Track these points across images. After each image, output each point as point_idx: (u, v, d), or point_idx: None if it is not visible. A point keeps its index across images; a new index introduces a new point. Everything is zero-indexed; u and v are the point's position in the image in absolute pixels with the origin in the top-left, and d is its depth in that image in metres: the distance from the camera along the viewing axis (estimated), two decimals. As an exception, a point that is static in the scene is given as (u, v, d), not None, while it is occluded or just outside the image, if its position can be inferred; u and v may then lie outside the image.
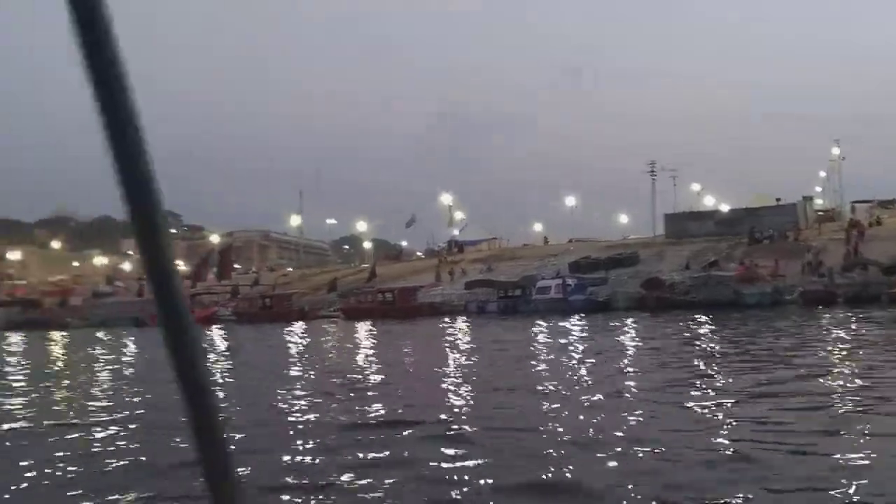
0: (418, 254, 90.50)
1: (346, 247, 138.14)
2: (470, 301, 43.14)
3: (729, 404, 10.10)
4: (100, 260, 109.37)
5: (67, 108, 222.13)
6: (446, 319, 36.90)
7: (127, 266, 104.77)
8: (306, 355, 22.59)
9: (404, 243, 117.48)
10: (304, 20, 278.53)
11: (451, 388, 13.49)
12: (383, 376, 15.58)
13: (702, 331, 23.61)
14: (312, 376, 16.56)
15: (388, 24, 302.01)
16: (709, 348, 18.33)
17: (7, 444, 9.57)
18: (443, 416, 10.19)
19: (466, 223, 69.85)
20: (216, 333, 36.39)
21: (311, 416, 10.80)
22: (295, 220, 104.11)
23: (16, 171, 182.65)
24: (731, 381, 12.33)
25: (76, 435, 9.92)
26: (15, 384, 17.32)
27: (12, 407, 13.12)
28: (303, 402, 12.29)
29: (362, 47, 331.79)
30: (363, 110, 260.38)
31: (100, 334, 40.48)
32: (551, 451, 7.78)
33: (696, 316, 28.45)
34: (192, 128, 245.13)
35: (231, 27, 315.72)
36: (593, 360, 16.54)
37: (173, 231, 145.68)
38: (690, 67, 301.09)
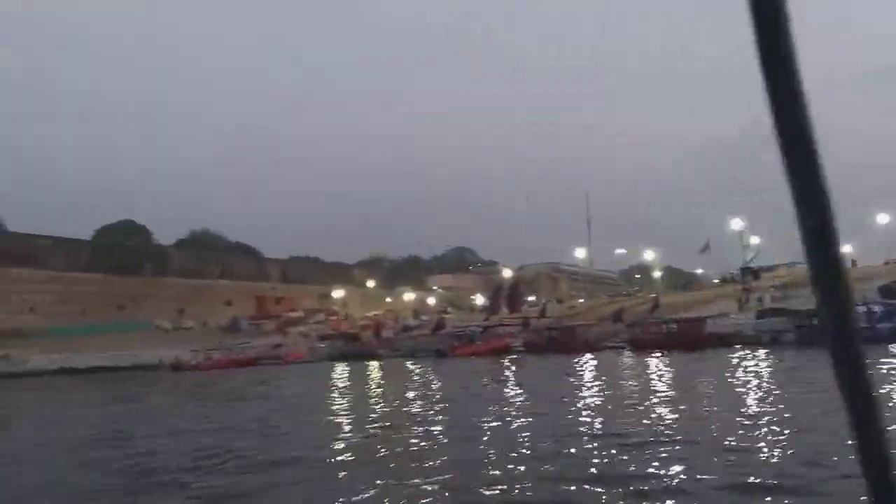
0: (714, 281, 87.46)
1: (638, 276, 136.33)
2: (763, 331, 40.78)
3: None
4: (408, 296, 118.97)
5: (376, 159, 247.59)
6: (740, 351, 35.23)
7: (431, 301, 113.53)
8: (596, 387, 22.79)
9: (699, 271, 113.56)
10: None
11: (773, 437, 11.44)
12: (676, 416, 14.75)
13: None
14: (602, 409, 16.41)
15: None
16: None
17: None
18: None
19: (760, 248, 65.86)
20: (508, 364, 38.67)
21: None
22: (580, 252, 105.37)
23: (341, 221, 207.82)
24: None
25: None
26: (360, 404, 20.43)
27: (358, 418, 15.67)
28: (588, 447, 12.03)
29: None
30: (640, 139, 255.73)
31: (408, 363, 44.86)
32: None
33: None
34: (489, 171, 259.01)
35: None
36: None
37: (468, 267, 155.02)
38: None
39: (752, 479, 8.48)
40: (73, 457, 13.46)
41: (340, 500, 8.49)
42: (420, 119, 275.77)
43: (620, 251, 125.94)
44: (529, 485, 8.84)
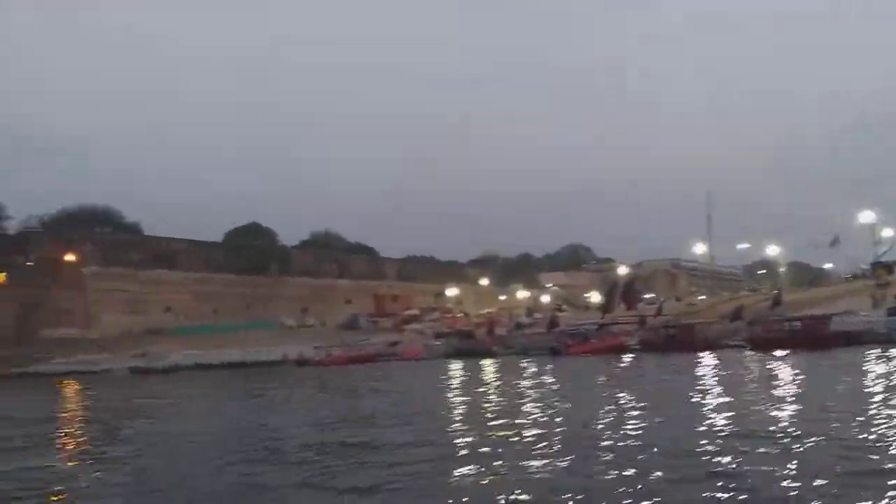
0: (845, 277, 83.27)
1: (763, 271, 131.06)
2: (893, 329, 38.73)
3: None
4: (522, 293, 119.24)
5: (485, 160, 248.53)
6: (870, 350, 33.65)
7: (545, 299, 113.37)
8: (716, 386, 22.40)
9: (829, 265, 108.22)
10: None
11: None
12: (799, 415, 14.46)
13: None
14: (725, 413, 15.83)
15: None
16: None
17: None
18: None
19: (894, 242, 62.08)
20: (624, 362, 38.52)
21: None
22: (699, 248, 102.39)
23: (455, 220, 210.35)
24: None
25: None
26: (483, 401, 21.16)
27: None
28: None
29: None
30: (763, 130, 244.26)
31: (523, 361, 45.28)
32: None
33: None
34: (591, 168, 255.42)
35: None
36: None
37: (582, 264, 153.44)
38: None
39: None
40: (216, 440, 14.90)
41: (448, 490, 9.02)
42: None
43: (743, 246, 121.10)
44: (658, 486, 8.89)
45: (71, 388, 44.08)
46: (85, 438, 17.79)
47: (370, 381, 34.35)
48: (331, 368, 52.40)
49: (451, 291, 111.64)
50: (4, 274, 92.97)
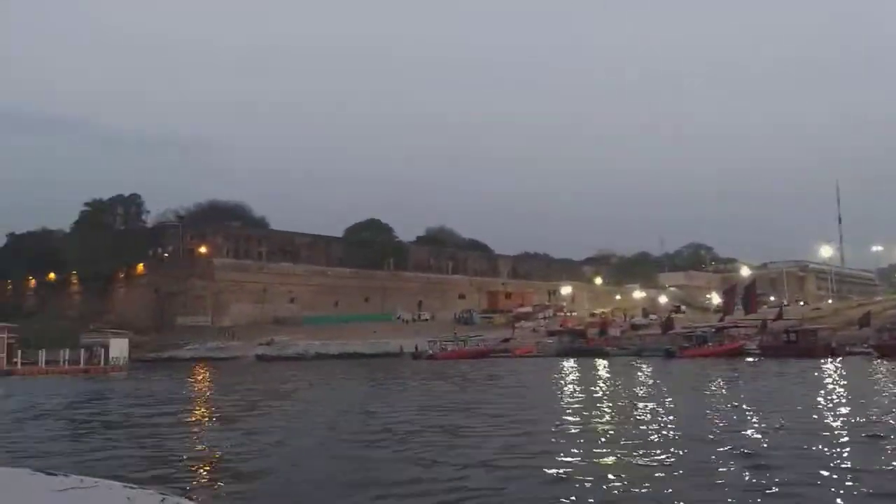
0: None
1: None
2: None
3: None
4: (638, 293, 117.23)
5: (601, 161, 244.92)
6: None
7: (662, 299, 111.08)
8: (839, 394, 21.58)
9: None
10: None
11: None
12: None
13: None
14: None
15: None
16: None
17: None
18: None
19: None
20: (741, 367, 37.53)
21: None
22: (826, 250, 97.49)
23: (571, 217, 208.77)
24: None
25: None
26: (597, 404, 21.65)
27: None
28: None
29: None
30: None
31: (636, 362, 44.69)
32: None
33: None
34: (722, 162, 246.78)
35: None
36: None
37: (702, 264, 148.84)
38: None
39: None
40: (337, 420, 16.20)
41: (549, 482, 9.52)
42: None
43: (877, 248, 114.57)
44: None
45: (206, 373, 47.27)
46: (234, 414, 19.53)
47: (483, 376, 35.20)
48: (445, 362, 53.65)
49: (565, 289, 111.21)
50: (142, 265, 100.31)
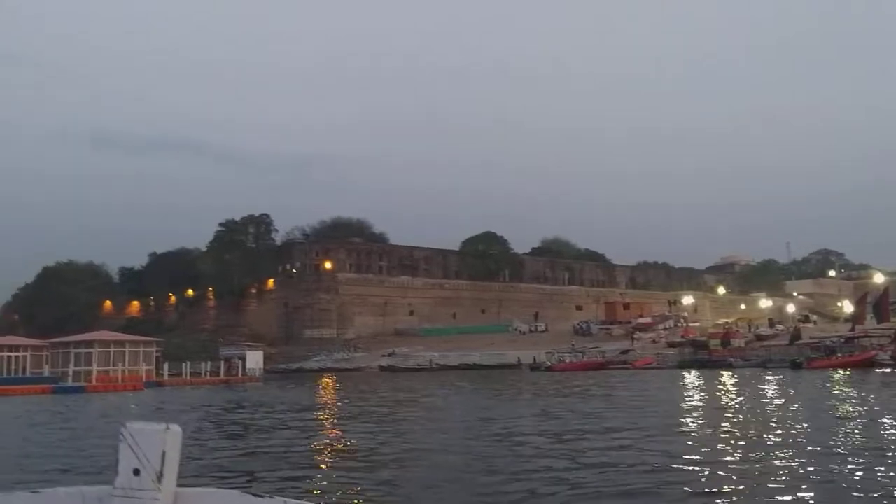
0: None
1: None
2: None
3: None
4: (764, 302, 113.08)
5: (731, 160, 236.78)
6: None
7: (790, 308, 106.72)
8: None
9: None
10: None
11: None
12: None
13: None
14: None
15: None
16: None
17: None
18: None
19: None
20: (873, 379, 36.12)
21: None
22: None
23: (691, 226, 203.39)
24: None
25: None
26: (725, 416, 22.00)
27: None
28: None
29: None
30: None
31: (763, 374, 43.18)
32: None
33: None
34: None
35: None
36: None
37: (831, 272, 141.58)
38: None
39: None
40: (462, 426, 17.47)
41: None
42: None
43: None
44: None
45: (334, 383, 49.82)
46: (375, 417, 21.26)
47: (603, 388, 35.59)
48: (563, 374, 54.11)
49: (686, 300, 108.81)
50: (272, 280, 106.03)
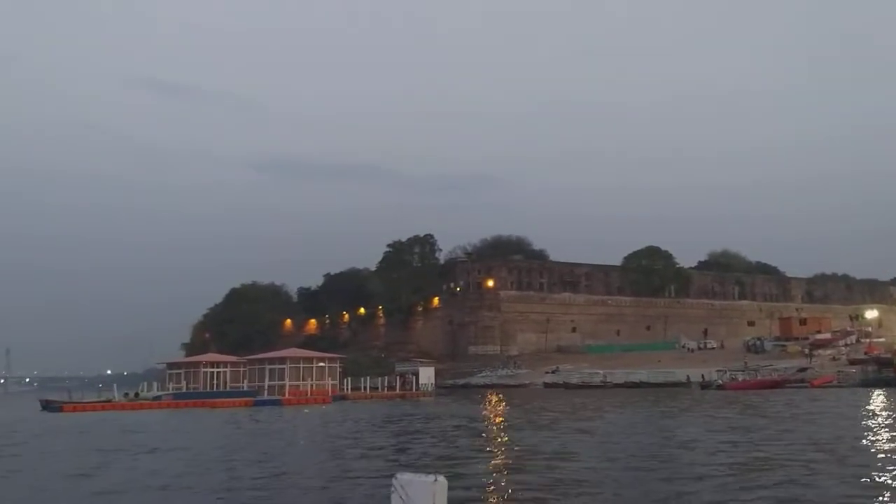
0: None
1: None
2: None
3: None
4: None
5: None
6: None
7: None
8: None
9: None
10: None
11: None
12: None
13: None
14: None
15: None
16: None
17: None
18: None
19: None
20: None
21: None
22: None
23: (873, 235, 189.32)
24: None
25: None
26: None
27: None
28: None
29: None
30: None
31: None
32: None
33: None
34: None
35: None
36: None
37: None
38: None
39: None
40: (634, 445, 18.39)
41: None
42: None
43: None
44: None
45: (502, 399, 51.43)
46: (545, 432, 22.66)
47: (779, 408, 34.80)
48: (736, 392, 52.72)
49: (870, 314, 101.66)
50: (437, 298, 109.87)
